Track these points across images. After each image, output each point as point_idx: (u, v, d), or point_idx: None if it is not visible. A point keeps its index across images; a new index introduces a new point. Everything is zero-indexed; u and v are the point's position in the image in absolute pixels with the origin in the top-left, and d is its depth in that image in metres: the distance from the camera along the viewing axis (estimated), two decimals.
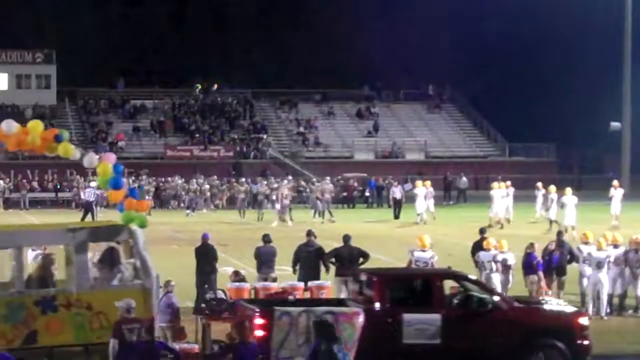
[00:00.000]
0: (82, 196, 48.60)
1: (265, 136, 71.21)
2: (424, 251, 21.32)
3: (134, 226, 15.96)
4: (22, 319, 15.05)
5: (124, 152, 68.10)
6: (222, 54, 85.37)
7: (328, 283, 19.91)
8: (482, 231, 23.77)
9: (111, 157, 16.38)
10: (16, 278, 15.45)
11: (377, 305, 16.35)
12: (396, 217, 46.61)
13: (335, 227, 40.35)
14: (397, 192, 47.78)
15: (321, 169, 63.15)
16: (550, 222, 39.07)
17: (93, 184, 48.39)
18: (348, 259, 21.42)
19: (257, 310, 15.94)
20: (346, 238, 21.74)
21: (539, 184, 43.79)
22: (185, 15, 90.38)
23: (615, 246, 22.43)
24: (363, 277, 17.36)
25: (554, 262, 22.35)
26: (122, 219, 16.10)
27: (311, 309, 15.67)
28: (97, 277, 16.09)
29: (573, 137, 70.96)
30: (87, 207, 44.62)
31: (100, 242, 16.24)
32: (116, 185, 16.20)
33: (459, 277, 17.60)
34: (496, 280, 21.41)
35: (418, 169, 66.39)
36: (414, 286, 17.16)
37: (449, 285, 17.65)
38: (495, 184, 43.89)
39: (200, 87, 77.67)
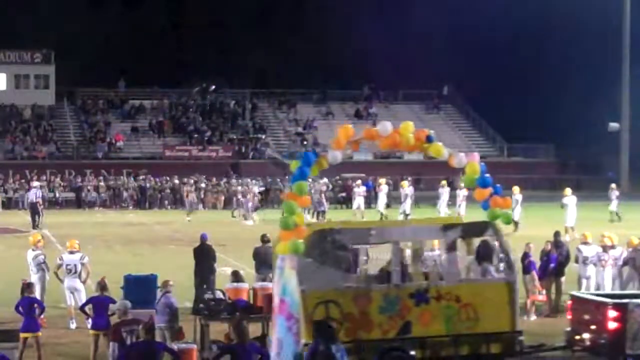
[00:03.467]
0: (29, 198, 45.85)
1: (264, 136, 71.23)
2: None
3: (499, 223, 16.70)
4: (397, 311, 15.78)
5: (122, 152, 68.19)
6: (221, 54, 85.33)
7: None
8: None
9: (477, 157, 16.85)
10: (393, 272, 16.13)
11: None
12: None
13: None
14: (402, 192, 47.84)
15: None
16: (515, 223, 39.34)
17: (36, 184, 48.17)
18: None
19: (611, 302, 16.41)
20: None
21: (444, 182, 46.54)
22: (184, 15, 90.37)
23: (612, 247, 22.40)
24: None
25: (552, 262, 22.37)
26: (488, 216, 16.72)
27: None
28: (466, 270, 17.03)
29: (572, 138, 70.95)
30: (33, 208, 43.70)
31: (468, 238, 16.96)
32: (484, 184, 16.76)
33: None
34: None
35: (416, 169, 66.39)
36: None
37: None
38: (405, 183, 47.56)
39: (199, 87, 77.70)
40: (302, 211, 15.53)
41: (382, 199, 47.81)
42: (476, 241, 17.34)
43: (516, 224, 38.27)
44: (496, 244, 16.80)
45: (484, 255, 17.49)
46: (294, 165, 15.76)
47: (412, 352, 15.44)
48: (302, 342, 14.96)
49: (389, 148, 16.68)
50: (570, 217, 37.38)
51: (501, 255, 16.71)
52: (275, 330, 15.02)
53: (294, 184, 15.50)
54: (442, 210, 45.21)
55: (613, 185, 45.05)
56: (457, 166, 16.78)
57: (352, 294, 15.67)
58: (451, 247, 16.42)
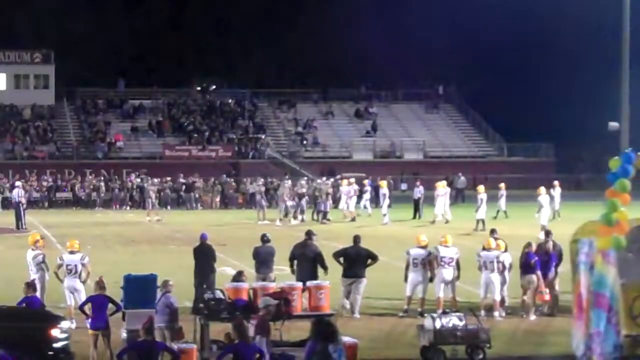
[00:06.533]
0: (13, 198, 45.69)
1: (263, 136, 71.25)
2: (421, 247, 21.61)
3: None
4: None
5: (122, 152, 68.22)
6: (221, 54, 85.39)
7: (327, 283, 19.86)
8: (492, 232, 23.83)
9: None
10: None
11: None
12: (414, 217, 46.79)
13: (333, 228, 40.43)
14: (416, 192, 47.80)
15: (319, 169, 63.14)
16: (482, 222, 39.64)
17: (18, 183, 48.10)
18: (355, 259, 21.45)
19: None
20: (356, 239, 21.80)
21: (441, 182, 46.31)
22: (184, 15, 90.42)
23: None
24: None
25: (553, 261, 22.35)
26: None
27: None
28: None
29: (571, 137, 70.95)
30: (16, 208, 43.47)
31: None
32: None
33: None
34: (495, 280, 21.45)
35: (416, 168, 66.43)
36: None
37: None
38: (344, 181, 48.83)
39: (199, 87, 77.74)
40: (624, 208, 15.71)
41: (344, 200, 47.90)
42: None
43: (483, 222, 38.92)
44: None
45: None
46: (614, 163, 16.05)
47: None
48: (622, 333, 15.38)
49: None
50: (544, 216, 38.15)
51: None
52: (592, 323, 15.10)
53: (617, 182, 15.77)
54: (446, 210, 45.11)
55: (502, 185, 45.62)
56: None
57: None
58: None
